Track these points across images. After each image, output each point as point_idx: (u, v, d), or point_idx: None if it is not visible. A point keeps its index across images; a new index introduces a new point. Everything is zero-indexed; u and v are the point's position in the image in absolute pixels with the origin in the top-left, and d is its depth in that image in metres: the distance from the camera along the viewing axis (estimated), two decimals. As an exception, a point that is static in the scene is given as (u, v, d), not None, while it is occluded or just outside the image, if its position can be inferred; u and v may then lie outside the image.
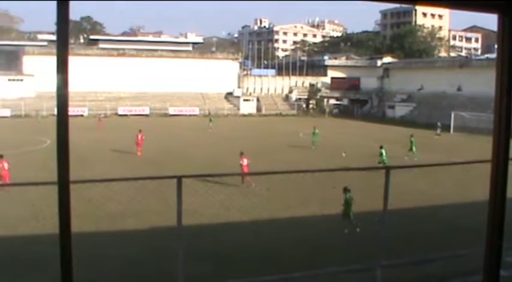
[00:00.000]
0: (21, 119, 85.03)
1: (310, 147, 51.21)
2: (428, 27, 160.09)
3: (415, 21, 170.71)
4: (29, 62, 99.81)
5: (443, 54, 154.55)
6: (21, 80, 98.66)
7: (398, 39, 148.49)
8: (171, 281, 10.86)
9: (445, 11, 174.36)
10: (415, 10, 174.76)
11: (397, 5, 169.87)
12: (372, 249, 12.66)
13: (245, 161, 32.94)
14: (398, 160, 39.97)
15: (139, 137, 45.23)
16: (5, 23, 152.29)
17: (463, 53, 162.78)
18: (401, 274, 13.83)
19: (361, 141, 58.98)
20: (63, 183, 4.37)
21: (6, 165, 30.10)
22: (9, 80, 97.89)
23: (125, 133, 57.97)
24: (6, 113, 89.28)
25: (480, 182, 7.23)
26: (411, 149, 44.91)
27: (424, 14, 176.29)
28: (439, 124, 69.02)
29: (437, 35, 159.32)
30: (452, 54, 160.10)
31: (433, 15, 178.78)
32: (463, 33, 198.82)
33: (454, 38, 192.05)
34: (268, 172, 32.38)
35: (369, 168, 24.70)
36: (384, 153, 38.34)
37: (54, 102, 4.26)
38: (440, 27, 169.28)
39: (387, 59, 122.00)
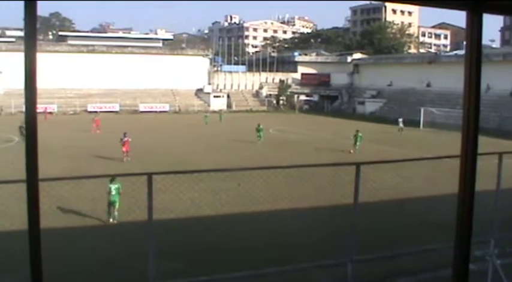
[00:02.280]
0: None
1: (281, 143, 51.38)
2: (398, 24, 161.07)
3: (385, 18, 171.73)
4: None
5: (412, 50, 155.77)
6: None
7: (368, 36, 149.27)
8: (142, 278, 10.81)
9: (414, 8, 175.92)
10: (385, 7, 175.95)
11: (367, 2, 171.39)
12: (342, 244, 12.71)
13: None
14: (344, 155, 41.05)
15: (125, 140, 41.09)
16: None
17: (432, 50, 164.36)
18: (372, 269, 13.92)
19: (333, 137, 59.22)
20: (32, 181, 4.33)
21: None
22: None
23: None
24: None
25: (449, 177, 7.30)
26: (355, 143, 45.86)
27: (394, 11, 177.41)
28: (400, 119, 69.37)
29: (406, 32, 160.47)
30: (422, 50, 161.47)
31: (402, 12, 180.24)
32: (432, 30, 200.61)
33: (424, 34, 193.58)
34: (240, 168, 32.40)
35: (339, 164, 24.79)
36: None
37: (23, 100, 4.22)
38: (409, 24, 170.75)
39: (357, 55, 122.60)
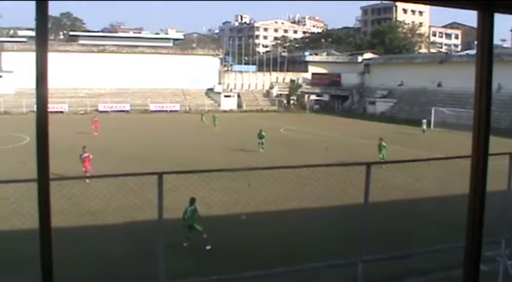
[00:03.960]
0: (0, 116, 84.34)
1: (292, 143, 51.34)
2: (408, 24, 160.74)
3: (396, 18, 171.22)
4: (8, 58, 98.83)
5: (423, 50, 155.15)
6: (0, 76, 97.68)
7: (379, 36, 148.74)
8: (152, 277, 10.83)
9: (425, 8, 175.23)
10: (396, 7, 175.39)
11: (378, 2, 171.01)
12: (353, 244, 12.68)
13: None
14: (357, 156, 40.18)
15: (85, 156, 33.95)
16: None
17: (443, 49, 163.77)
18: (383, 269, 13.90)
19: (343, 137, 59.10)
20: (43, 180, 4.35)
21: None
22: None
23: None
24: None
25: (460, 177, 7.27)
26: (380, 152, 39.89)
27: (405, 11, 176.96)
28: (424, 120, 68.63)
29: (417, 32, 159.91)
30: (433, 50, 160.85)
31: (413, 12, 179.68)
32: (443, 30, 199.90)
33: (434, 34, 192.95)
34: (250, 168, 32.38)
35: (350, 164, 24.74)
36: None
37: (34, 99, 4.24)
38: (420, 24, 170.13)
39: (368, 55, 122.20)
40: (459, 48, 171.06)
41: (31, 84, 5.15)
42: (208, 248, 18.45)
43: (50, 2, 4.09)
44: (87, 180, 26.39)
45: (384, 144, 39.31)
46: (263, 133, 48.07)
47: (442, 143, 50.93)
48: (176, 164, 35.54)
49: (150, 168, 31.89)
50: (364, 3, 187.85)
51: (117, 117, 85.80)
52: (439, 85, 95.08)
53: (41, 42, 4.10)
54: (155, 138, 54.23)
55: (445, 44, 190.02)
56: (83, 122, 60.41)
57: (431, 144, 51.14)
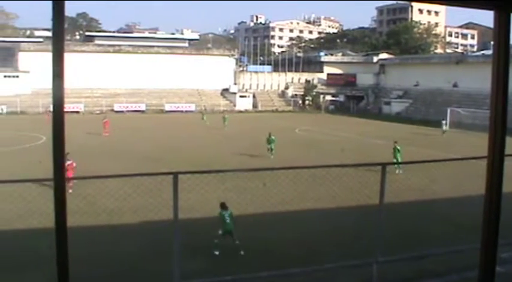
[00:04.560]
0: (17, 115, 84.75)
1: (307, 143, 51.26)
2: (424, 24, 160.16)
3: (411, 18, 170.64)
4: (24, 58, 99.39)
5: (439, 50, 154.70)
6: (17, 76, 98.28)
7: (395, 36, 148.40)
8: (167, 276, 10.86)
9: (441, 8, 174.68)
10: (411, 7, 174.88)
11: (393, 2, 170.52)
12: (368, 245, 12.66)
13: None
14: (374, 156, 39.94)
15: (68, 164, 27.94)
16: (1, 19, 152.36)
17: (459, 50, 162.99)
18: (398, 270, 13.86)
19: (358, 137, 58.95)
20: (59, 180, 4.37)
21: None
22: (4, 76, 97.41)
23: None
24: (2, 109, 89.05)
25: (476, 178, 7.24)
26: (395, 157, 36.95)
27: (420, 11, 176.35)
28: (444, 121, 67.52)
29: (433, 32, 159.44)
30: (449, 50, 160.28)
31: (429, 12, 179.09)
32: (459, 30, 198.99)
33: (450, 34, 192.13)
34: (266, 168, 32.36)
35: (365, 164, 24.72)
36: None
37: (50, 99, 4.25)
38: (436, 24, 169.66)
39: (383, 56, 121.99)
40: (475, 49, 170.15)
41: (47, 84, 5.18)
42: (242, 253, 17.94)
43: (66, 2, 4.11)
44: (70, 191, 24.15)
45: (398, 147, 37.22)
46: (272, 137, 43.39)
47: (458, 144, 50.71)
48: (191, 165, 35.57)
49: (163, 168, 31.98)
50: (380, 4, 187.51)
51: (131, 117, 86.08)
52: (455, 85, 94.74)
53: (58, 42, 4.13)
54: (162, 139, 54.35)
55: (461, 44, 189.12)
56: (96, 123, 60.29)
57: (447, 144, 50.96)
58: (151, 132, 61.46)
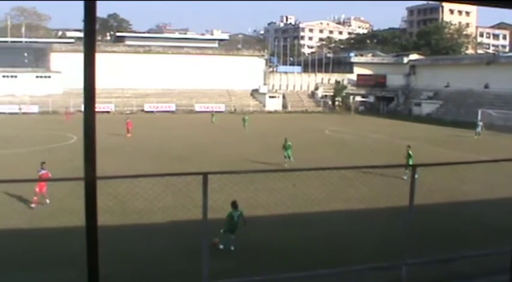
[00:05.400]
0: (48, 115, 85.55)
1: (337, 144, 51.15)
2: (455, 24, 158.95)
3: (442, 18, 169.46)
4: (56, 58, 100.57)
5: (470, 51, 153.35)
6: (49, 76, 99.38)
7: (425, 36, 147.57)
8: (196, 276, 10.89)
9: (472, 8, 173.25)
10: (442, 7, 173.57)
11: (424, 2, 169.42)
12: (397, 247, 12.60)
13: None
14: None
15: (41, 174, 25.49)
16: (33, 20, 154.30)
17: (491, 50, 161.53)
18: (427, 272, 13.76)
19: (388, 138, 58.66)
20: (90, 179, 4.42)
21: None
22: (37, 76, 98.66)
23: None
24: (35, 109, 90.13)
25: (507, 180, 7.20)
26: (408, 161, 33.25)
27: (451, 11, 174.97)
28: (480, 123, 66.02)
29: (464, 32, 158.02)
30: (480, 51, 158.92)
31: (460, 12, 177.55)
32: (490, 30, 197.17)
33: (482, 35, 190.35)
34: (295, 169, 32.37)
35: (394, 166, 24.66)
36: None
37: (82, 99, 4.31)
38: (467, 24, 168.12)
39: (413, 56, 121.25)
40: (507, 49, 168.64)
41: (78, 84, 5.25)
42: (232, 248, 18.26)
43: (97, 2, 4.16)
44: (47, 201, 23.96)
45: (410, 152, 34.81)
46: (289, 143, 39.87)
47: (489, 146, 50.29)
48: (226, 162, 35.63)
49: (192, 168, 32.12)
50: (410, 4, 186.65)
51: (161, 117, 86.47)
52: (486, 86, 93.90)
53: (89, 41, 4.18)
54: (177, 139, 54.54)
55: (493, 45, 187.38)
56: (121, 123, 60.38)
57: (478, 146, 50.52)
58: (176, 132, 61.64)
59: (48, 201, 24.00)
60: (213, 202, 9.97)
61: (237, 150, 44.57)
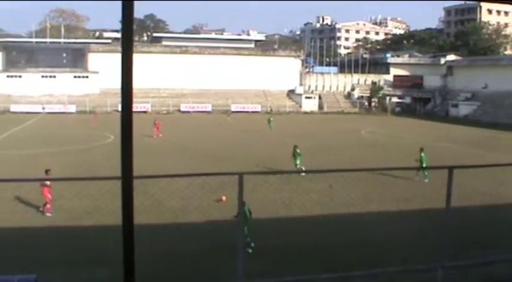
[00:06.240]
0: (86, 115, 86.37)
1: (373, 145, 50.90)
2: (493, 25, 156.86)
3: (480, 18, 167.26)
4: (94, 59, 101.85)
5: (509, 52, 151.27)
6: (87, 76, 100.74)
7: (463, 37, 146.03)
8: (230, 276, 10.92)
9: (511, 8, 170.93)
10: (480, 7, 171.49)
11: (462, 2, 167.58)
12: (432, 249, 12.50)
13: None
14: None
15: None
16: (72, 21, 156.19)
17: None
18: (464, 276, 13.63)
19: (425, 140, 58.17)
20: (127, 178, 4.45)
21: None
22: (75, 76, 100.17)
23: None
24: (72, 109, 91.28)
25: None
26: (421, 165, 32.35)
27: (489, 11, 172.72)
28: None
29: (503, 33, 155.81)
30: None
31: (498, 12, 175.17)
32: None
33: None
34: (331, 170, 32.29)
35: (431, 168, 24.49)
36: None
37: (119, 99, 4.35)
38: (506, 25, 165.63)
39: (451, 57, 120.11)
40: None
41: (115, 84, 5.31)
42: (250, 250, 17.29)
43: (135, 2, 4.19)
44: (48, 214, 23.04)
45: (422, 154, 33.59)
46: (297, 150, 35.52)
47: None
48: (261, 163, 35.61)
49: (226, 168, 32.16)
50: (448, 4, 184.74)
51: (196, 117, 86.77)
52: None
53: (127, 41, 4.21)
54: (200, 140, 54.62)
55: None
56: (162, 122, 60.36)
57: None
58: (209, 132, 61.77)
59: (49, 214, 22.96)
60: (248, 202, 9.99)
61: (270, 152, 44.55)
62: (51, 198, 23.19)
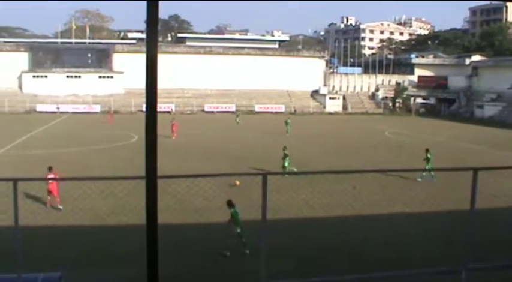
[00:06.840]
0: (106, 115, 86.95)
1: (397, 146, 50.68)
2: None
3: (506, 19, 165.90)
4: (118, 59, 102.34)
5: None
6: (111, 77, 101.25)
7: (488, 37, 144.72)
8: (253, 276, 10.92)
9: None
10: (506, 7, 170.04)
11: (487, 2, 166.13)
12: (456, 251, 12.43)
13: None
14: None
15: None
16: (97, 22, 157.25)
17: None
18: (488, 278, 13.54)
19: (449, 141, 57.79)
20: (151, 178, 4.47)
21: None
22: (99, 77, 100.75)
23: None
24: (97, 108, 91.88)
25: None
26: (428, 164, 32.91)
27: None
28: None
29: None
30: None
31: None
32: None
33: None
34: (355, 171, 32.20)
35: (454, 169, 24.26)
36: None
37: (143, 99, 4.37)
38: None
39: (476, 58, 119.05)
40: None
41: (139, 84, 5.33)
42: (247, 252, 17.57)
43: (160, 2, 4.22)
44: (60, 206, 23.68)
45: (429, 155, 33.48)
46: (285, 152, 34.21)
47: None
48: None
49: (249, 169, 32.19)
50: (473, 4, 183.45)
51: (221, 118, 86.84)
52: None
53: (152, 41, 4.23)
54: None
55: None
56: (186, 122, 60.29)
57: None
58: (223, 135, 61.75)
59: (61, 207, 23.65)
60: (271, 203, 9.98)
61: (295, 153, 44.50)
62: (57, 193, 23.99)
